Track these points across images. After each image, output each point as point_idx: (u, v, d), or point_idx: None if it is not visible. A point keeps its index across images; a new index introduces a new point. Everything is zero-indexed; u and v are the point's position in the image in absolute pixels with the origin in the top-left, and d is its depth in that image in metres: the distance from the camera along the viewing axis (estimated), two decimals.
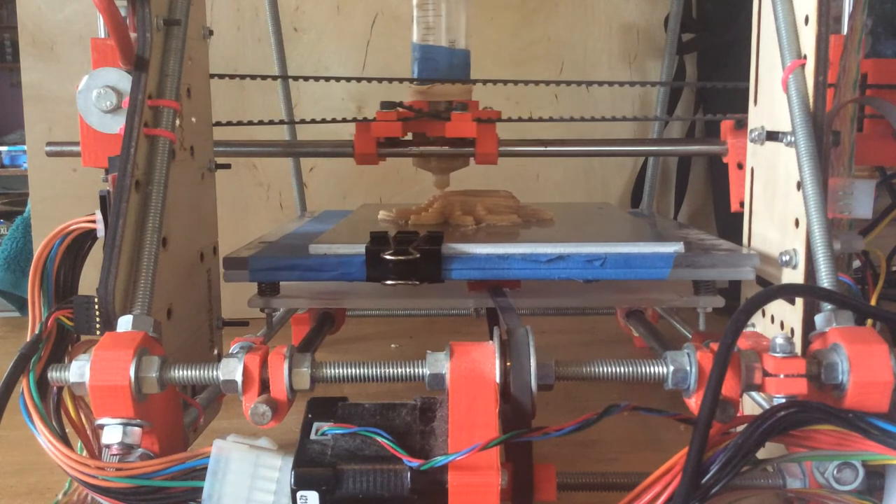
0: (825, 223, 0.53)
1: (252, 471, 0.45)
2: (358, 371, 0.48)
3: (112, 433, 0.46)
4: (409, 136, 0.85)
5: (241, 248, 0.71)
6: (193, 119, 0.66)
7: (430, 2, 0.84)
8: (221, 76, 0.85)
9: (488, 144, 0.83)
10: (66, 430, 0.51)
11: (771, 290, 0.49)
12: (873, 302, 0.67)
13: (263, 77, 0.99)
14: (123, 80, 0.56)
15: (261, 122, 0.88)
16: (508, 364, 0.47)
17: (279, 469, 0.45)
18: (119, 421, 0.46)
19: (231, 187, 1.20)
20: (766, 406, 0.53)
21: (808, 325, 0.53)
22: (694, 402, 0.47)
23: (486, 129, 0.82)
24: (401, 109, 0.83)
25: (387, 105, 0.83)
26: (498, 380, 0.46)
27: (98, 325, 0.51)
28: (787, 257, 0.59)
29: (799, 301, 0.56)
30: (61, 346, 0.53)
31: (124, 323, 0.50)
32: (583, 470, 0.52)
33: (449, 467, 0.43)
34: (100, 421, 0.46)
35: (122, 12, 0.56)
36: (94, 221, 0.56)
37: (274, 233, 0.82)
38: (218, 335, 0.71)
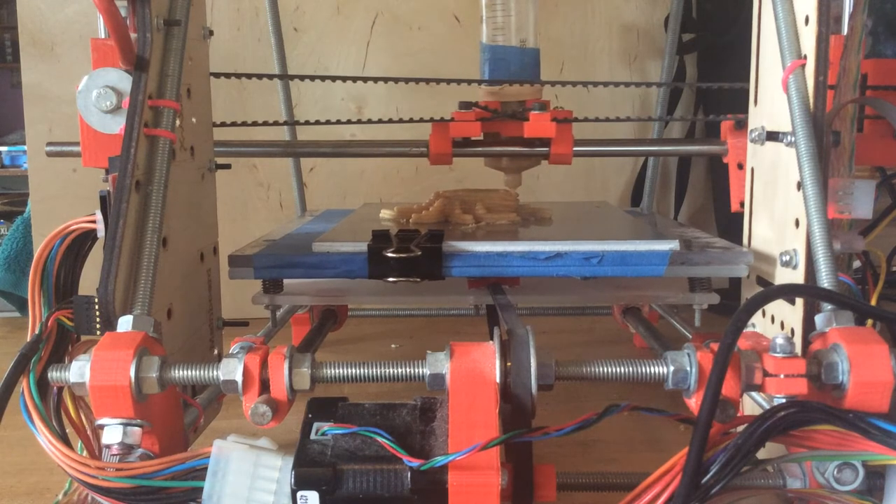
0: (825, 223, 0.53)
1: (252, 471, 0.45)
2: (358, 371, 0.48)
3: (112, 433, 0.46)
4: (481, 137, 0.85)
5: (246, 246, 0.72)
6: (193, 119, 0.66)
7: (498, 1, 0.83)
8: (222, 76, 0.85)
9: (565, 145, 0.83)
10: (67, 430, 0.51)
11: (771, 290, 0.49)
12: (873, 302, 0.67)
13: (263, 77, 0.99)
14: (123, 81, 0.56)
15: (261, 123, 0.88)
16: (508, 364, 0.47)
17: (279, 469, 0.45)
18: (119, 421, 0.46)
19: (231, 187, 1.20)
20: (766, 406, 0.53)
21: (808, 325, 0.53)
22: (694, 402, 0.47)
23: (563, 129, 0.82)
24: (477, 109, 0.83)
25: (464, 105, 0.83)
26: (498, 380, 0.46)
27: (98, 325, 0.51)
28: (788, 257, 0.59)
29: (799, 301, 0.56)
30: (61, 346, 0.53)
31: (124, 323, 0.50)
32: (583, 470, 0.52)
33: (449, 467, 0.43)
34: (100, 421, 0.46)
35: (122, 12, 0.56)
36: (94, 221, 0.56)
37: (277, 231, 0.83)
38: (218, 335, 0.71)
